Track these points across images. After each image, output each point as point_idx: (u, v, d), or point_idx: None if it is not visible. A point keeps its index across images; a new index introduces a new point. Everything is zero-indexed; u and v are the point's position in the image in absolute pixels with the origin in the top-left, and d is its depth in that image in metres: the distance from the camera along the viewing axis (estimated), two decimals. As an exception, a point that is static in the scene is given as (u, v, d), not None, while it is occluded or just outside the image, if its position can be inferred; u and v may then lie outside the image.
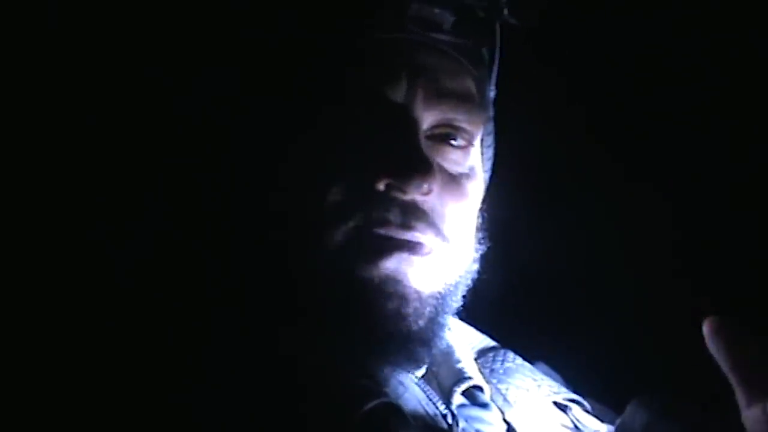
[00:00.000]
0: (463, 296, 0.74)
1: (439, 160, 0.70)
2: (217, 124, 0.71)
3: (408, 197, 0.67)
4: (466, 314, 0.77)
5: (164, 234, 0.71)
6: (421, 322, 0.67)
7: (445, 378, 0.74)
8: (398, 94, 0.68)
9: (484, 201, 0.77)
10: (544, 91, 1.01)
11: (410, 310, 0.67)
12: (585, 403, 0.79)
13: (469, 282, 0.74)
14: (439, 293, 0.70)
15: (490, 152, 0.80)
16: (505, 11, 0.73)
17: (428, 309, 0.68)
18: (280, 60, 0.70)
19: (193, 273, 0.68)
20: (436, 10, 0.70)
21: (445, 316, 0.71)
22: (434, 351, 0.72)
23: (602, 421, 0.77)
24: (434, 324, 0.69)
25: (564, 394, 0.78)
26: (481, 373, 0.77)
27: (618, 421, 0.71)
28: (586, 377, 0.82)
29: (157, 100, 0.76)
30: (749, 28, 0.98)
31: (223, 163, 0.71)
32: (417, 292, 0.67)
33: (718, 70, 1.00)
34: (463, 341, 0.80)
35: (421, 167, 0.66)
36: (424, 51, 0.70)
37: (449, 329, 0.74)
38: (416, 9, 0.70)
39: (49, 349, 0.61)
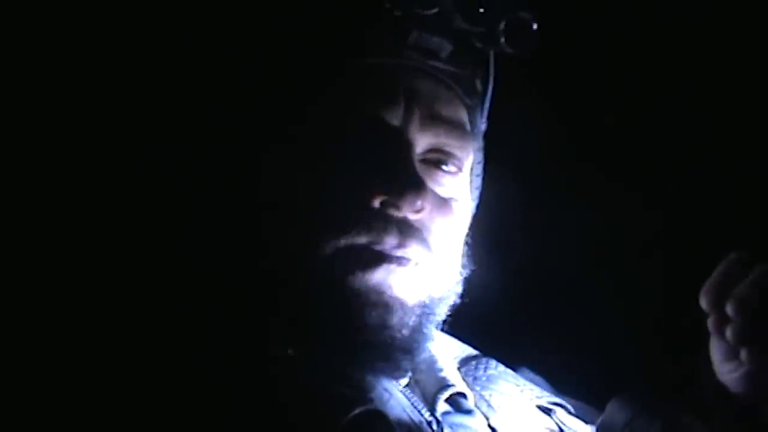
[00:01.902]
0: (448, 313, 0.75)
1: (430, 182, 0.72)
2: (218, 132, 0.74)
3: (401, 214, 0.69)
4: (451, 322, 0.78)
5: (163, 238, 0.72)
6: (405, 332, 0.69)
7: (428, 386, 0.75)
8: (395, 117, 0.71)
9: (470, 228, 0.79)
10: (532, 102, 1.03)
11: (394, 319, 0.68)
12: (568, 405, 0.80)
13: (454, 299, 0.76)
14: (424, 303, 0.71)
15: (478, 182, 0.82)
16: (502, 40, 0.75)
17: (413, 319, 0.70)
18: (284, 77, 0.72)
19: (191, 275, 0.70)
20: (435, 39, 0.73)
21: (429, 326, 0.72)
22: (417, 360, 0.73)
23: (586, 422, 0.78)
24: (418, 334, 0.71)
25: (547, 397, 0.79)
26: (465, 381, 0.78)
27: (599, 419, 0.72)
28: (572, 378, 0.83)
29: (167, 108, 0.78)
30: (734, 37, 1.02)
31: (223, 169, 0.73)
32: (401, 301, 0.69)
33: (701, 77, 1.03)
34: (446, 351, 0.81)
35: (415, 185, 0.69)
36: (422, 77, 0.73)
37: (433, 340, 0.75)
38: (416, 36, 0.73)
39: (45, 349, 0.62)
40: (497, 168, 0.83)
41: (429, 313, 0.72)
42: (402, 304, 0.69)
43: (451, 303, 0.76)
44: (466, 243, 0.78)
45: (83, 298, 0.67)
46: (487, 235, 0.81)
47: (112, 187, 0.77)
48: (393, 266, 0.68)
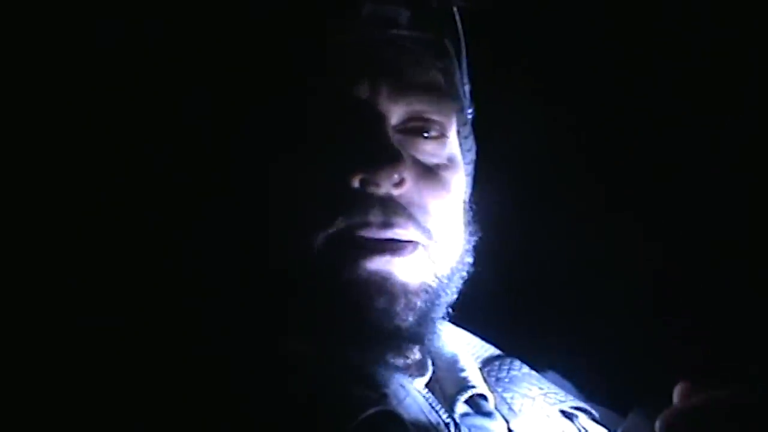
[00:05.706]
0: (459, 290, 0.74)
1: (413, 152, 0.71)
2: (196, 130, 0.74)
3: (383, 191, 0.67)
4: (467, 320, 0.77)
5: (158, 236, 0.73)
6: (411, 318, 0.68)
7: (448, 386, 0.74)
8: (362, 92, 0.70)
9: (471, 194, 0.78)
10: (533, 87, 1.02)
11: (399, 306, 0.67)
12: (592, 411, 0.78)
13: (464, 274, 0.74)
14: (430, 286, 0.70)
15: (469, 143, 0.80)
16: None
17: (418, 303, 0.68)
18: (249, 71, 0.72)
19: (185, 275, 0.70)
20: (390, 7, 0.72)
21: (437, 310, 0.71)
22: (431, 349, 0.72)
23: (609, 429, 0.77)
24: (426, 319, 0.69)
25: (571, 402, 0.78)
26: (487, 382, 0.77)
27: (619, 430, 0.70)
28: (589, 381, 0.82)
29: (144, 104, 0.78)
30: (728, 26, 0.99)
31: (205, 166, 0.73)
32: (404, 286, 0.67)
33: (700, 62, 1.00)
34: (468, 350, 0.80)
35: (388, 157, 0.67)
36: (384, 48, 0.72)
37: (450, 336, 0.74)
38: (370, 9, 0.71)
39: (41, 349, 0.63)
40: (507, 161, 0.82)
41: (436, 296, 0.70)
42: (405, 288, 0.67)
43: (462, 278, 0.74)
44: (469, 209, 0.76)
45: (90, 299, 0.68)
46: (495, 226, 0.79)
47: (108, 189, 0.78)
48: (388, 256, 0.67)
